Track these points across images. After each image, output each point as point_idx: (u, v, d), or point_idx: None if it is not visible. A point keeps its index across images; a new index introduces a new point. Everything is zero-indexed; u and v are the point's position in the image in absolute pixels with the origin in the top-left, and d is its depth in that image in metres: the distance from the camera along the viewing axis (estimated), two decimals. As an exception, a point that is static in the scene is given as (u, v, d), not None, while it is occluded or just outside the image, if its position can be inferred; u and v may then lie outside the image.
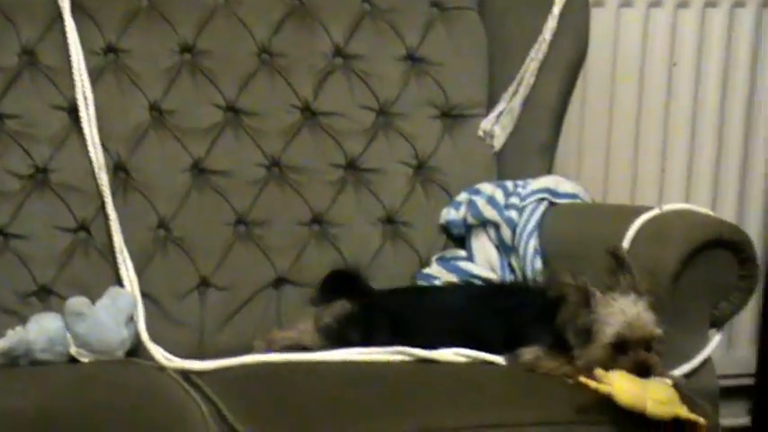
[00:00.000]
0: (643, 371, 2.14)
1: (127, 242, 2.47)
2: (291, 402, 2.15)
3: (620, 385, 2.06)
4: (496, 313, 2.31)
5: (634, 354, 2.16)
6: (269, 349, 2.38)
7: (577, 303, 2.18)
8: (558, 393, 2.19)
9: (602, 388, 2.04)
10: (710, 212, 2.44)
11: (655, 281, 2.22)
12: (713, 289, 2.35)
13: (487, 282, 2.53)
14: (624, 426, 2.11)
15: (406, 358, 2.30)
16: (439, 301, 2.41)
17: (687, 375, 2.31)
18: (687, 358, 2.32)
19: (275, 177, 2.61)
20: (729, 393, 2.80)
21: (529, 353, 2.24)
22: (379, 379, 2.24)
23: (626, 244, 2.35)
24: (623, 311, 2.17)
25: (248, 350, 2.35)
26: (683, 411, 2.04)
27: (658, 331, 2.18)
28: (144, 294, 2.43)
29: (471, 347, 2.28)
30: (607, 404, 2.03)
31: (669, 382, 2.14)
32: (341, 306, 2.42)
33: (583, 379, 2.05)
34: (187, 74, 2.59)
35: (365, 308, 2.41)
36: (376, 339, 2.32)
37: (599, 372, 2.08)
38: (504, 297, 2.36)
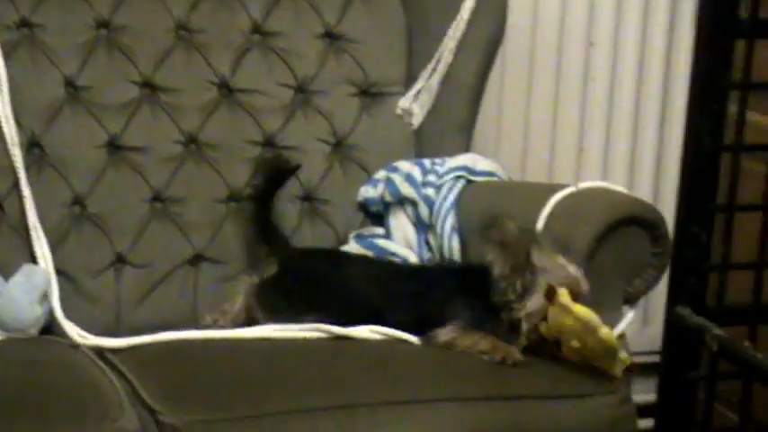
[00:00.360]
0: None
1: (41, 219, 2.43)
2: (207, 380, 2.14)
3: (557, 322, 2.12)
4: (404, 299, 2.32)
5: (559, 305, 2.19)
6: (218, 324, 2.37)
7: (518, 254, 2.20)
8: (474, 369, 2.21)
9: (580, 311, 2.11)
10: (625, 191, 2.47)
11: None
12: (627, 266, 2.37)
13: (396, 265, 2.52)
14: (538, 398, 2.14)
15: (323, 335, 2.30)
16: (351, 281, 2.41)
17: (601, 352, 2.33)
18: (601, 335, 2.34)
19: (192, 154, 2.60)
20: (643, 370, 2.84)
21: (444, 334, 2.25)
22: (295, 356, 2.24)
23: (541, 221, 2.37)
24: (561, 266, 2.20)
25: (166, 327, 2.33)
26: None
27: (586, 287, 2.21)
28: (58, 271, 2.41)
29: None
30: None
31: None
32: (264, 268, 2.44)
33: (562, 300, 2.11)
34: (103, 49, 2.57)
35: (283, 271, 2.42)
36: (294, 306, 2.34)
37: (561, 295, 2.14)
38: (413, 282, 2.37)
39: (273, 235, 2.50)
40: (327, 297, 2.37)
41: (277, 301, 2.38)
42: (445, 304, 2.27)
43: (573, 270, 2.22)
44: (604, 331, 2.07)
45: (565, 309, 2.11)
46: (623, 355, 2.10)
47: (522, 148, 3.08)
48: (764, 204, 2.07)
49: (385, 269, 2.46)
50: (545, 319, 2.17)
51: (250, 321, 2.36)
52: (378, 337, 2.30)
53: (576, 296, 2.18)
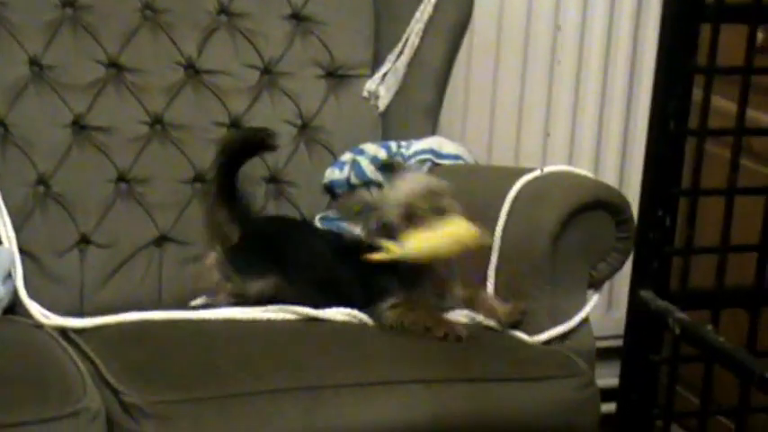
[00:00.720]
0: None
1: (5, 198, 2.42)
2: (171, 360, 2.14)
3: (410, 243, 2.17)
4: (354, 270, 2.32)
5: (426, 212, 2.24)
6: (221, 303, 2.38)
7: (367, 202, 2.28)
8: (438, 351, 2.22)
9: (391, 252, 2.17)
10: (590, 175, 2.48)
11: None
12: (592, 250, 2.38)
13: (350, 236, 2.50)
14: (501, 381, 2.15)
15: (289, 316, 2.30)
16: (308, 249, 2.42)
17: (565, 335, 2.35)
18: (566, 318, 2.35)
19: (158, 135, 2.59)
20: (609, 354, 2.85)
21: (384, 308, 2.26)
22: (260, 337, 2.25)
23: (507, 205, 2.38)
24: (408, 188, 2.25)
25: (130, 308, 2.33)
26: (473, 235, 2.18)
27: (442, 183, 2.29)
28: (22, 251, 2.39)
29: (336, 303, 2.31)
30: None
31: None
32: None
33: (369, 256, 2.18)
34: (68, 28, 2.55)
35: (245, 236, 2.45)
36: (254, 267, 2.38)
37: (388, 245, 2.18)
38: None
39: (235, 203, 2.49)
40: (286, 258, 2.39)
41: (240, 263, 2.39)
42: (381, 275, 2.28)
43: (426, 183, 2.29)
44: (442, 250, 2.18)
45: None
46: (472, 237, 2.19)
47: (489, 131, 3.08)
48: (728, 189, 2.08)
49: (340, 239, 2.47)
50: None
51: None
52: (345, 318, 2.30)
53: (436, 209, 2.24)
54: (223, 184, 2.47)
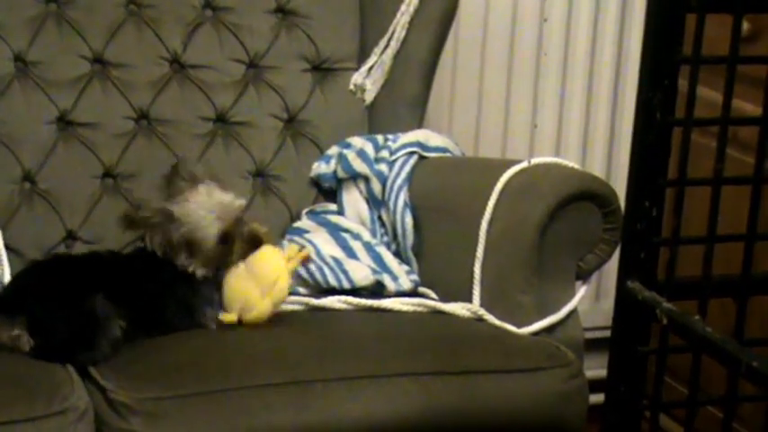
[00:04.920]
0: (258, 242, 2.25)
1: (-10, 195, 2.42)
2: (158, 357, 2.14)
3: (252, 314, 2.22)
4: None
5: (240, 236, 2.24)
6: None
7: (163, 224, 2.21)
8: (427, 344, 2.22)
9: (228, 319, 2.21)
10: (577, 166, 2.48)
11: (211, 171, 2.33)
12: (579, 241, 2.38)
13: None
14: (490, 372, 2.15)
15: (283, 308, 2.31)
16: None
17: (553, 327, 2.35)
18: (554, 310, 2.35)
19: (143, 130, 2.58)
20: (597, 345, 2.85)
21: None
22: (247, 332, 2.25)
23: (494, 197, 2.38)
24: (210, 207, 2.23)
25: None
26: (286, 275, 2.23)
27: (241, 201, 2.27)
28: (8, 248, 2.39)
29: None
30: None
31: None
32: None
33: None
34: (53, 24, 2.54)
35: None
36: None
37: (225, 317, 2.21)
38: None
39: None
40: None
41: None
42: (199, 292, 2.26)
43: (220, 199, 2.25)
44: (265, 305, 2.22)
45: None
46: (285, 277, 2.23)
47: (476, 123, 3.08)
48: (715, 179, 2.08)
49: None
50: None
51: None
52: (343, 306, 2.30)
53: (239, 222, 2.25)
54: None
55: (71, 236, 2.50)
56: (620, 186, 2.37)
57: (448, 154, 2.63)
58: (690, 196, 2.10)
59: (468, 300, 2.37)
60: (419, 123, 2.74)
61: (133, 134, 2.57)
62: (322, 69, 2.71)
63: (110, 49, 2.58)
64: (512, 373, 2.19)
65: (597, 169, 3.10)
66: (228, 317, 2.24)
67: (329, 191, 2.67)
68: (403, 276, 2.46)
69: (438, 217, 2.50)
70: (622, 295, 2.05)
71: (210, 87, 2.62)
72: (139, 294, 2.21)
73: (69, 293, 2.14)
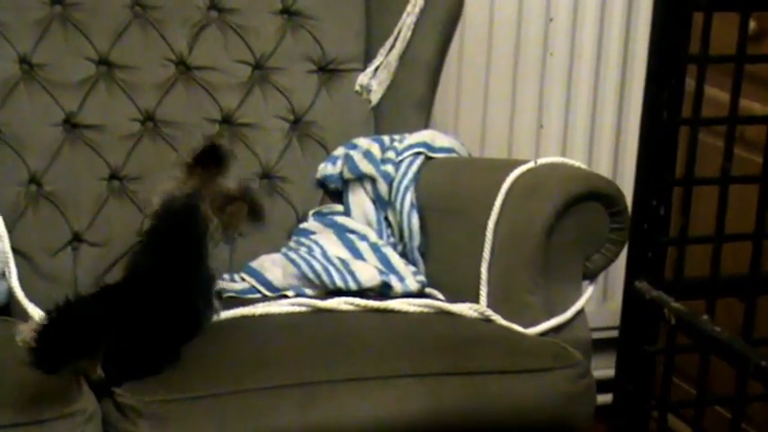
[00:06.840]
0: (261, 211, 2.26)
1: (-3, 198, 2.42)
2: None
3: None
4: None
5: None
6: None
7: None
8: (433, 344, 2.22)
9: None
10: (584, 166, 2.47)
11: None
12: (586, 241, 2.37)
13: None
14: (497, 373, 2.14)
15: (285, 309, 2.31)
16: None
17: (561, 327, 2.34)
18: (561, 310, 2.34)
19: (149, 132, 2.58)
20: (604, 345, 2.85)
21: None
22: (253, 334, 2.25)
23: (500, 197, 2.37)
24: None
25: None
26: None
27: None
28: (15, 251, 2.39)
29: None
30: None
31: None
32: None
33: None
34: (58, 26, 2.55)
35: None
36: None
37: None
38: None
39: None
40: None
41: None
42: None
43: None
44: None
45: None
46: None
47: (482, 123, 3.08)
48: (722, 178, 2.08)
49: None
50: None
51: None
52: (351, 308, 2.30)
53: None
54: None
55: (77, 238, 2.50)
56: (626, 186, 2.37)
57: (454, 154, 2.63)
58: (697, 196, 2.10)
59: (475, 300, 2.37)
60: (425, 124, 2.74)
61: (139, 136, 2.57)
62: (328, 70, 2.70)
63: (115, 51, 2.58)
64: (519, 374, 2.18)
65: (604, 169, 3.10)
66: None
67: (335, 192, 2.67)
68: (410, 277, 2.46)
69: (444, 217, 2.50)
70: (630, 295, 2.05)
71: (216, 89, 2.62)
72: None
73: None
